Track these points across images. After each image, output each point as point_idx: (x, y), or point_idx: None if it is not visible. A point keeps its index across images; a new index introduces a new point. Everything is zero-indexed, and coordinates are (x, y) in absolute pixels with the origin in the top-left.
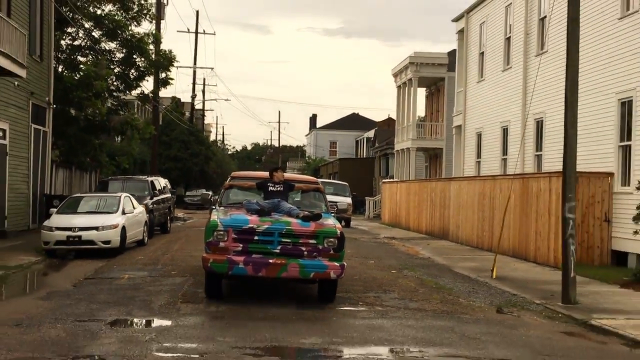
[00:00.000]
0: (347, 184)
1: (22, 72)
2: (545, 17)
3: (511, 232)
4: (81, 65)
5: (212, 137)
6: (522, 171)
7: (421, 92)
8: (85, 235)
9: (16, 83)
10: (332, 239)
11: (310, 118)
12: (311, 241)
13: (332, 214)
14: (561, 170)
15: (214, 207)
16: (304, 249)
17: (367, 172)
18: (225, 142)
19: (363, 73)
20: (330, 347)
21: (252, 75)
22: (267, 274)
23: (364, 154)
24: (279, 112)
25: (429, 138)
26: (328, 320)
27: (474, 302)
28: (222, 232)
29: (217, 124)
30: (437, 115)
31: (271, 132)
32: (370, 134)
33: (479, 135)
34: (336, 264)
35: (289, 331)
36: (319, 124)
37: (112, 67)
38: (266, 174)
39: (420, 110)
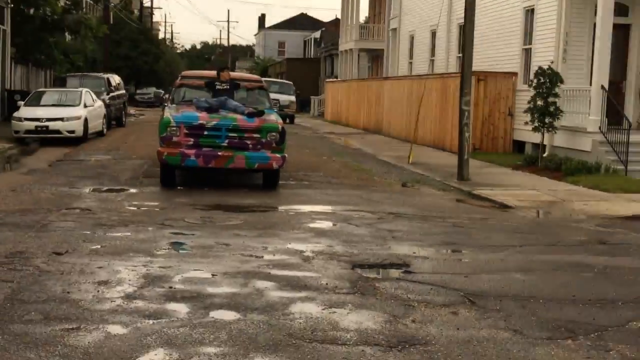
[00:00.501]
0: (291, 83)
1: None
2: None
3: (432, 126)
4: None
5: (161, 36)
6: (446, 71)
7: None
8: (52, 125)
9: None
10: (274, 134)
11: (259, 18)
12: (255, 135)
13: (275, 111)
14: (487, 71)
15: (165, 104)
16: (249, 142)
17: (314, 72)
18: (175, 41)
19: None
20: (262, 204)
21: None
22: (216, 164)
23: (312, 55)
24: (228, 10)
25: (371, 40)
26: (262, 189)
27: (385, 180)
28: (174, 128)
29: (165, 22)
30: (380, 18)
31: (220, 31)
32: (318, 34)
33: (412, 38)
34: (278, 155)
35: (232, 197)
36: (267, 24)
37: None
38: (214, 73)
39: (365, 12)
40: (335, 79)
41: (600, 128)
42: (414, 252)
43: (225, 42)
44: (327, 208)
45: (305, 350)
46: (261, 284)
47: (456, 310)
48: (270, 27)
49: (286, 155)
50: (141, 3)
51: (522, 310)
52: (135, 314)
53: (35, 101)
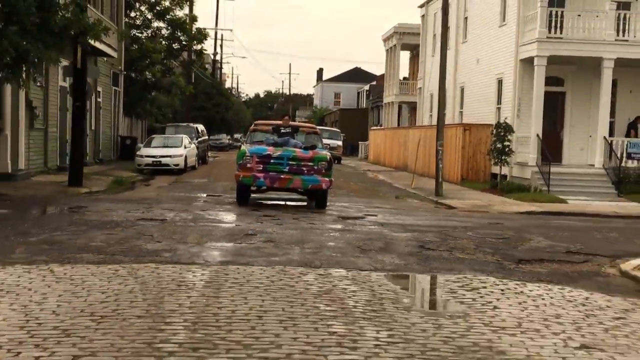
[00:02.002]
0: (339, 130)
1: (114, 54)
2: (467, 17)
3: (434, 163)
4: (142, 40)
5: (228, 85)
6: (452, 122)
7: (406, 55)
8: (163, 160)
9: (105, 59)
10: (324, 162)
11: (317, 71)
12: (309, 163)
13: (326, 149)
14: (467, 123)
15: (241, 143)
16: (304, 169)
17: (363, 121)
18: (240, 90)
19: (367, 27)
20: (308, 206)
21: (268, 22)
22: (279, 184)
23: (363, 105)
24: (290, 64)
25: (409, 94)
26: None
27: (387, 195)
28: (249, 157)
29: (232, 74)
30: (416, 75)
31: (282, 81)
32: (367, 87)
33: (431, 96)
34: (326, 179)
35: (290, 204)
36: (325, 77)
37: (161, 40)
38: (279, 122)
39: (405, 70)
40: (377, 127)
41: (536, 163)
42: (376, 215)
43: (287, 91)
44: (344, 204)
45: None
46: (317, 226)
47: (375, 227)
48: (327, 80)
49: (333, 179)
50: (214, 62)
51: (406, 228)
52: (233, 238)
53: (149, 144)
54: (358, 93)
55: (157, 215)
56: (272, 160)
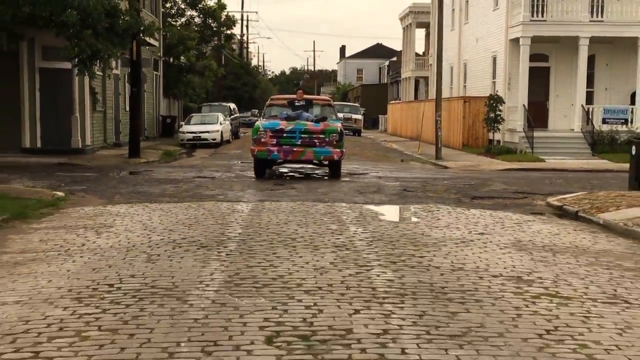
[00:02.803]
0: (358, 105)
1: (156, 43)
2: (468, 1)
3: (443, 132)
4: (178, 27)
5: (254, 63)
6: (458, 95)
7: (421, 32)
8: (202, 135)
9: (147, 47)
10: (334, 134)
11: (340, 49)
12: (321, 136)
13: (338, 120)
14: (468, 96)
15: (258, 118)
16: (316, 141)
17: (383, 96)
18: (266, 68)
19: (388, 3)
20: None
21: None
22: (292, 157)
23: (385, 80)
24: (314, 41)
25: (425, 69)
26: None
27: (394, 159)
28: (262, 132)
29: (258, 53)
30: (429, 52)
31: (307, 59)
32: (387, 63)
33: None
34: (338, 150)
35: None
36: (347, 54)
37: (194, 27)
38: (294, 96)
39: (421, 47)
40: (395, 101)
41: (523, 129)
42: (378, 172)
43: (311, 68)
44: (355, 166)
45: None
46: (329, 180)
47: (374, 179)
48: (349, 57)
49: (344, 150)
50: (241, 44)
51: (407, 182)
52: (265, 187)
53: (189, 121)
54: (380, 68)
55: (207, 175)
56: (284, 134)
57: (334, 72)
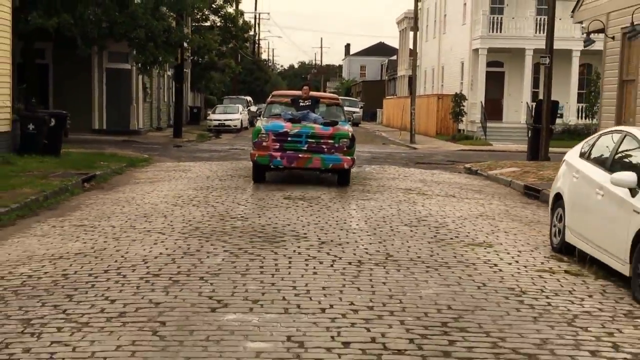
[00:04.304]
0: (357, 99)
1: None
2: (445, 15)
3: (422, 122)
4: (202, 31)
5: (264, 57)
6: (436, 92)
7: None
8: (226, 122)
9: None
10: (345, 140)
11: (345, 46)
12: (330, 141)
13: (348, 122)
14: (441, 94)
15: (258, 117)
16: (324, 147)
17: (382, 91)
18: (275, 62)
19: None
20: None
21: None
22: (297, 164)
23: (385, 77)
24: (321, 38)
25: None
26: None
27: (377, 142)
28: (264, 135)
29: (268, 48)
30: None
31: (315, 54)
32: (387, 61)
33: (425, 72)
34: (348, 157)
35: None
36: (352, 51)
37: (217, 32)
38: (299, 92)
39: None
40: (389, 97)
41: (480, 120)
42: (361, 149)
43: (319, 63)
44: None
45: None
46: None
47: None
48: (353, 54)
49: (355, 157)
50: (253, 42)
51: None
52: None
53: (214, 111)
54: (381, 66)
55: (238, 148)
56: (289, 138)
57: (340, 67)
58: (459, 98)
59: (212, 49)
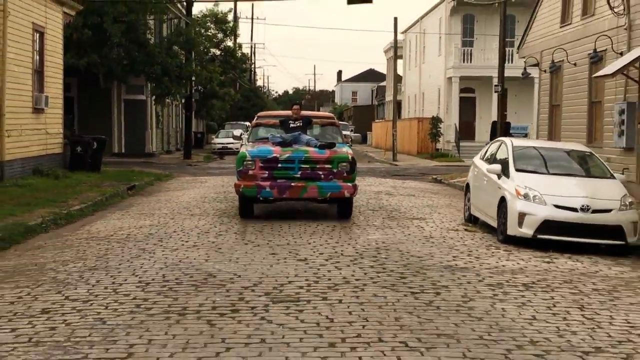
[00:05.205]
0: (347, 123)
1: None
2: (424, 47)
3: (405, 142)
4: (204, 63)
5: (259, 83)
6: (417, 117)
7: (402, 62)
8: (228, 145)
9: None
10: (345, 164)
11: (337, 73)
12: (327, 166)
13: (348, 145)
14: (421, 117)
15: (242, 143)
16: (321, 173)
17: (372, 115)
18: (270, 88)
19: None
20: None
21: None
22: (290, 195)
23: (375, 102)
24: (314, 65)
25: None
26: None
27: (364, 160)
28: (250, 162)
29: (264, 76)
30: None
31: (309, 80)
32: (376, 87)
33: (408, 97)
34: (349, 184)
35: None
36: (343, 78)
37: (217, 64)
38: (288, 112)
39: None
40: (377, 121)
41: (454, 140)
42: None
43: (312, 89)
44: None
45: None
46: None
47: None
48: (345, 80)
49: (357, 184)
50: (250, 71)
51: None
52: None
53: (218, 135)
54: (372, 91)
55: None
56: (279, 165)
57: (332, 93)
58: (436, 121)
59: (214, 80)
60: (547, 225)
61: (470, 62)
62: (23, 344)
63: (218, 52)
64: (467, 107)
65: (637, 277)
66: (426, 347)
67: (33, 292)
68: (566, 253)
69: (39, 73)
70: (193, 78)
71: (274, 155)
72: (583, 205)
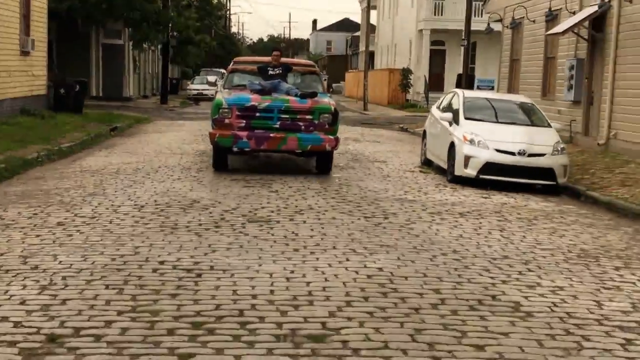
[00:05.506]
0: (322, 73)
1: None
2: None
3: (377, 93)
4: (181, 9)
5: (234, 30)
6: (389, 67)
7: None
8: (204, 92)
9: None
10: (327, 115)
11: (312, 22)
12: (308, 117)
13: (329, 95)
14: (393, 68)
15: (218, 90)
16: (301, 124)
17: (346, 65)
18: (245, 36)
19: None
20: None
21: None
22: (268, 146)
23: (349, 52)
24: (289, 13)
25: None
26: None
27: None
28: (226, 110)
29: (238, 22)
30: None
31: (283, 28)
32: (350, 37)
33: (381, 48)
34: (331, 137)
35: None
36: (318, 27)
37: (193, 10)
38: (267, 58)
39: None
40: (350, 71)
41: (423, 91)
42: None
43: (288, 37)
44: None
45: None
46: None
47: None
48: (320, 30)
49: (339, 137)
50: (226, 17)
51: None
52: None
53: (193, 82)
54: (347, 41)
55: None
56: (257, 114)
57: (307, 41)
58: (406, 72)
59: (190, 26)
60: (489, 167)
61: (442, 14)
62: (49, 245)
63: None
64: (437, 59)
65: (559, 210)
66: (369, 253)
67: (45, 211)
68: (505, 191)
69: (25, 17)
70: (170, 25)
71: (252, 103)
72: (520, 150)
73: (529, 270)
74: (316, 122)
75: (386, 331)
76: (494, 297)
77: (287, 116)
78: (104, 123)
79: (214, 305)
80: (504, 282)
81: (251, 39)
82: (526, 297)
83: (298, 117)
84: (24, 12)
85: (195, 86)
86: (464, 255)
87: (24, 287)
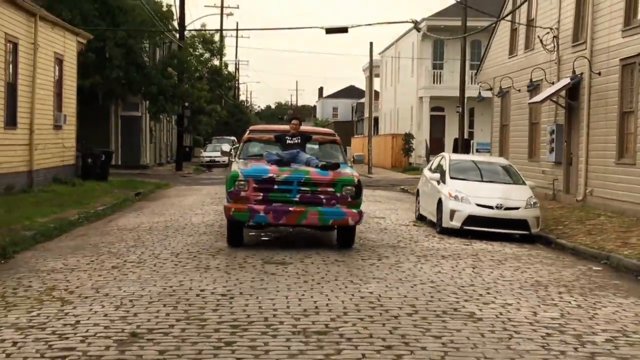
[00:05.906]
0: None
1: None
2: (399, 67)
3: (380, 157)
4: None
5: (242, 98)
6: (391, 132)
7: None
8: (216, 158)
9: None
10: (349, 187)
11: (319, 89)
12: (329, 189)
13: (351, 165)
14: (395, 133)
15: (233, 160)
16: (322, 196)
17: (352, 131)
18: (253, 103)
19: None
20: None
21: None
22: (287, 221)
23: (355, 118)
24: (297, 81)
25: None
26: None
27: None
28: (242, 182)
29: (246, 90)
30: None
31: (290, 95)
32: (355, 104)
33: (385, 115)
34: (354, 210)
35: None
36: (324, 94)
37: (204, 82)
38: (285, 126)
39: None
40: (356, 136)
41: (424, 155)
42: None
43: (295, 104)
44: None
45: None
46: None
47: None
48: (326, 97)
49: (363, 210)
50: (235, 87)
51: None
52: None
53: (206, 149)
54: (352, 107)
55: None
56: (276, 186)
57: (314, 108)
58: (408, 137)
59: (202, 97)
60: (471, 219)
61: (440, 83)
62: (112, 280)
63: (205, 71)
64: (438, 124)
65: (528, 254)
66: (364, 283)
67: (99, 259)
68: (486, 240)
69: (58, 95)
70: (184, 97)
71: (270, 175)
72: (498, 204)
73: (488, 293)
74: (338, 194)
75: (372, 328)
76: (455, 309)
77: (307, 189)
78: (128, 189)
79: (245, 315)
80: (466, 300)
81: (259, 106)
82: (480, 310)
83: (319, 189)
84: (57, 90)
85: (208, 153)
86: (439, 284)
87: (103, 306)
